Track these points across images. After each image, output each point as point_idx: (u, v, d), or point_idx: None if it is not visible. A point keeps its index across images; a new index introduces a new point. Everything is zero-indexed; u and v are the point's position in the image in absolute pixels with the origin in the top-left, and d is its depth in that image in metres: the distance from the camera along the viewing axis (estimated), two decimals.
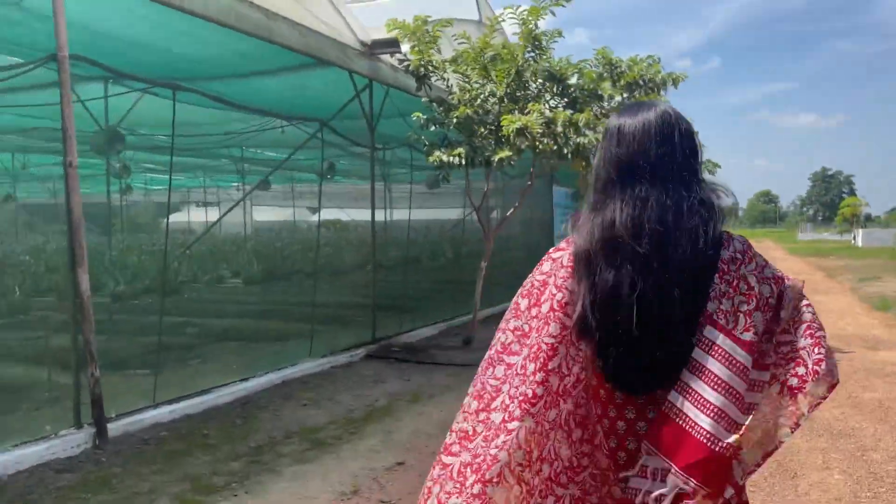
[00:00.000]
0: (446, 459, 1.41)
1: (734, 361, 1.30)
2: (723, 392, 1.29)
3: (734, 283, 1.35)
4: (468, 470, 1.35)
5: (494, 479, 1.33)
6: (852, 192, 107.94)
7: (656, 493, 1.29)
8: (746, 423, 1.29)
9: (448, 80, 8.50)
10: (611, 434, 1.43)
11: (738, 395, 1.30)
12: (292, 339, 8.11)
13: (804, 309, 1.44)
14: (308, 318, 7.96)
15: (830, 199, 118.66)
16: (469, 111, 7.72)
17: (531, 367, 1.40)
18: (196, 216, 21.40)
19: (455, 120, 7.85)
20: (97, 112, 7.50)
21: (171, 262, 10.32)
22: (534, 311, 1.46)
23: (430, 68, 8.27)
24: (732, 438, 1.27)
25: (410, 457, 4.63)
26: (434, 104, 8.13)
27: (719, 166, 16.24)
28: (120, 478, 4.23)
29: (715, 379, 1.30)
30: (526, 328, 1.46)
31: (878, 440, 4.88)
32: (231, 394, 6.09)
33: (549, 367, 1.40)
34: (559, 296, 1.42)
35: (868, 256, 28.92)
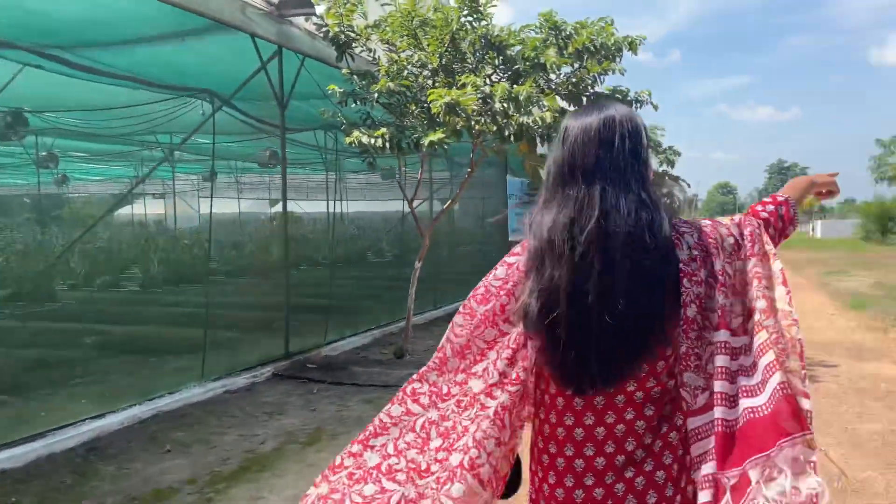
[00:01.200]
0: (387, 485, 1.40)
1: (732, 348, 1.32)
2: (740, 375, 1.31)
3: (701, 283, 1.35)
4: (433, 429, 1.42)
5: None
6: None
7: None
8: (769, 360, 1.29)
9: (374, 50, 7.25)
10: (567, 441, 1.40)
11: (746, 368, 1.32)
12: (182, 356, 6.75)
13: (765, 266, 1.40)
14: (203, 329, 6.59)
15: None
16: (392, 84, 6.46)
17: (461, 376, 1.46)
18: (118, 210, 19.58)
19: (377, 95, 6.59)
20: None
21: (42, 263, 8.80)
22: (480, 316, 1.46)
23: (352, 35, 7.01)
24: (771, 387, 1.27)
25: None
26: (356, 77, 6.87)
27: (679, 154, 15.26)
28: None
29: (727, 371, 1.30)
30: (473, 332, 1.46)
31: (893, 495, 3.81)
32: (75, 437, 4.76)
33: (473, 371, 1.44)
34: (504, 300, 1.44)
35: (829, 248, 28.53)
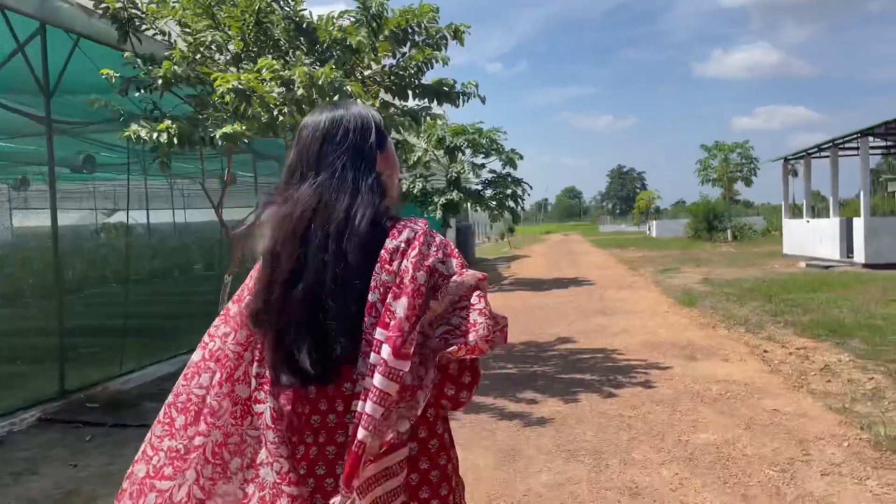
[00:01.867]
0: (161, 485, 1.40)
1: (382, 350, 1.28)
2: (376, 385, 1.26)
3: (392, 272, 1.32)
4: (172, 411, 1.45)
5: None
6: (644, 187, 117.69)
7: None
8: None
9: (169, 32, 6.22)
10: (305, 430, 1.36)
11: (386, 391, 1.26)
12: None
13: (463, 312, 1.33)
14: None
15: (626, 193, 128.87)
16: (179, 69, 5.49)
17: (218, 375, 1.46)
18: None
19: (161, 81, 5.59)
20: None
21: None
22: (232, 317, 1.48)
23: (136, 12, 5.95)
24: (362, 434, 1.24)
25: None
26: (140, 61, 5.81)
27: (521, 156, 15.30)
28: None
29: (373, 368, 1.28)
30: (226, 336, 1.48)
31: None
32: None
33: (235, 377, 1.44)
34: (248, 299, 1.44)
35: (663, 247, 30.30)
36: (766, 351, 7.46)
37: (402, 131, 7.72)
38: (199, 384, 1.46)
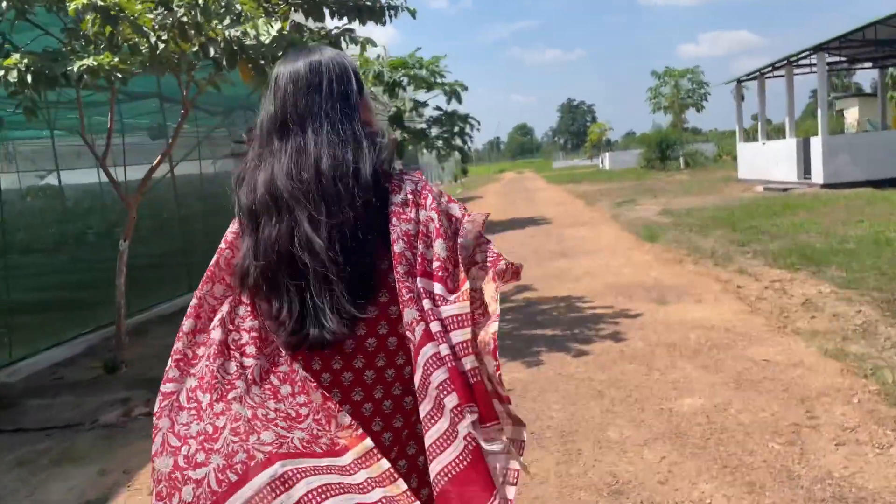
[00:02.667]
0: (167, 388, 1.31)
1: (433, 295, 1.26)
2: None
3: (411, 220, 1.31)
4: (198, 392, 1.28)
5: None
6: (594, 120, 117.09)
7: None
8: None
9: None
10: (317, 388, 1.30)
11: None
12: None
13: (480, 251, 1.35)
14: None
15: (577, 127, 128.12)
16: None
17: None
18: None
19: (4, 4, 4.43)
20: None
21: None
22: (209, 271, 1.41)
23: None
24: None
25: None
26: None
27: (465, 87, 14.12)
28: None
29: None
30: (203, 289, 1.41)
31: None
32: None
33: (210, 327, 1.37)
34: (227, 253, 1.40)
35: (617, 179, 29.80)
36: (739, 286, 6.82)
37: None
38: (212, 293, 1.39)
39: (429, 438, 1.18)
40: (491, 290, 1.29)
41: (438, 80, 14.57)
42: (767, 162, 19.11)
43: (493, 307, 1.27)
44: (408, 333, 1.23)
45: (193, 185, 9.90)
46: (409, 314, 1.23)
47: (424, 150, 17.28)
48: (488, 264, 1.31)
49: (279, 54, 4.81)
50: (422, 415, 1.20)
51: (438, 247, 1.27)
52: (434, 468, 1.16)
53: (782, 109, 19.33)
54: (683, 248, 9.28)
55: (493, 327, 1.23)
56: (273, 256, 1.28)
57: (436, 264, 1.26)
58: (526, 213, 18.00)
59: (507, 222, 15.86)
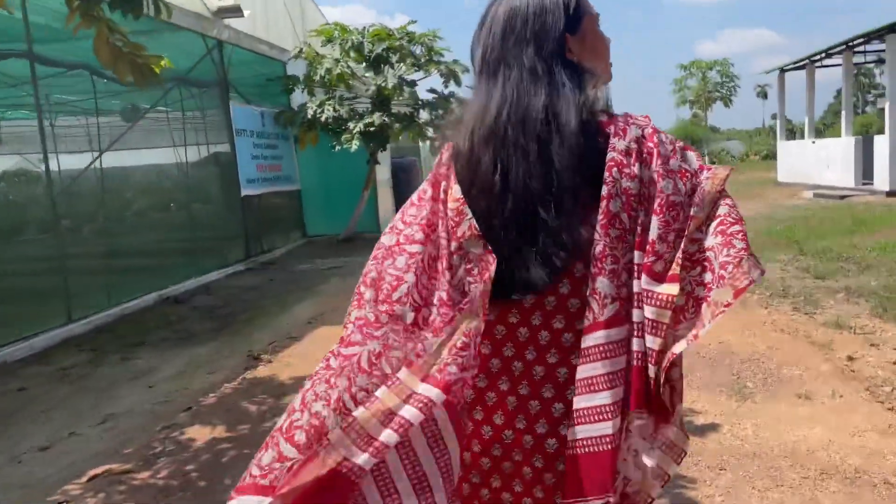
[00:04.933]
0: (348, 350, 1.19)
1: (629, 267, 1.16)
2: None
3: (635, 177, 1.15)
4: (382, 360, 1.16)
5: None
6: None
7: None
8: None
9: None
10: (485, 340, 1.24)
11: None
12: None
13: (721, 204, 1.18)
14: None
15: None
16: None
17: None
18: None
19: None
20: None
21: None
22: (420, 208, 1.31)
23: None
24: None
25: None
26: None
27: (466, 69, 11.62)
28: None
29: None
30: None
31: None
32: None
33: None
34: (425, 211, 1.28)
35: None
36: (851, 359, 4.34)
37: None
38: (395, 265, 1.24)
39: (582, 402, 1.13)
40: (716, 308, 1.08)
41: (435, 59, 12.08)
42: (817, 163, 16.48)
43: (700, 330, 1.08)
44: (593, 303, 1.13)
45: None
46: (603, 285, 1.12)
47: (419, 141, 14.74)
48: (724, 274, 1.08)
49: None
50: (579, 377, 1.13)
51: (653, 225, 1.12)
52: (579, 432, 1.12)
53: (802, 109, 16.67)
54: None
55: (680, 346, 1.09)
56: (492, 199, 1.20)
57: (648, 242, 1.12)
58: None
59: None
